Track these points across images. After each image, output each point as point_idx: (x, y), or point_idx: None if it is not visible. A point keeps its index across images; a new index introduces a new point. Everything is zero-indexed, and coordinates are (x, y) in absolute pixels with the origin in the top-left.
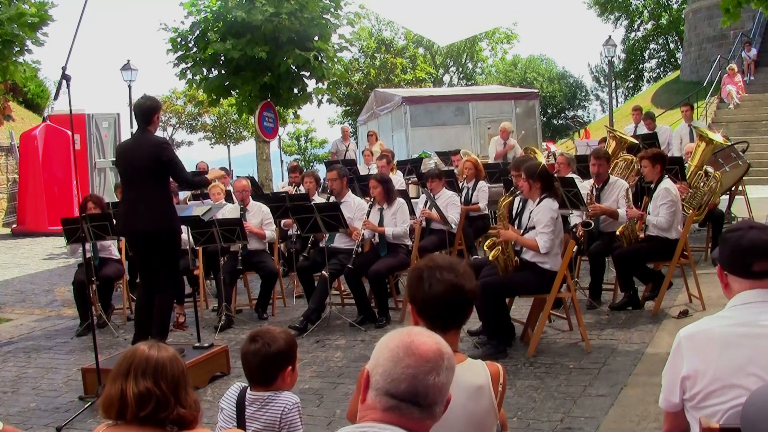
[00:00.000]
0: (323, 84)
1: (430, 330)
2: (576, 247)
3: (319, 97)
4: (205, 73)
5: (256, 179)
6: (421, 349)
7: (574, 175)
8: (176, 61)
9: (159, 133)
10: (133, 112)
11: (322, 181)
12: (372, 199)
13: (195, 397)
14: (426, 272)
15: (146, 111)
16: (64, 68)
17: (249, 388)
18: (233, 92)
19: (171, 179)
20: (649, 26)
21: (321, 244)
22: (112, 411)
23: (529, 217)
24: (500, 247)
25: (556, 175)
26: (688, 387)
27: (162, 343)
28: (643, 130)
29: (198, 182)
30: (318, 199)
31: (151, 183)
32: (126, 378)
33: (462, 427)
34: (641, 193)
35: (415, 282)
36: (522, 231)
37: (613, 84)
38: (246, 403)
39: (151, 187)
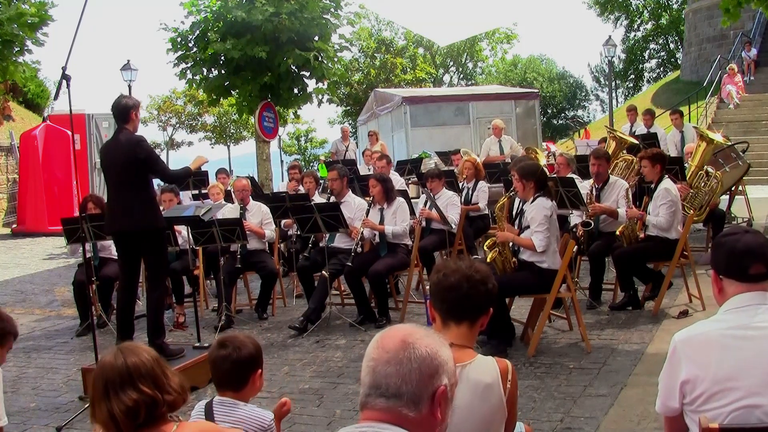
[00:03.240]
0: (323, 84)
1: (444, 324)
2: (576, 247)
3: (319, 97)
4: (205, 73)
5: (256, 179)
6: (384, 341)
7: (573, 176)
8: (176, 61)
9: (159, 133)
10: (112, 113)
11: (321, 181)
12: (372, 199)
13: (177, 379)
14: (441, 266)
15: (123, 109)
16: (64, 68)
17: (216, 396)
18: (233, 92)
19: (153, 176)
20: (649, 26)
21: (321, 244)
22: (112, 431)
23: (524, 216)
24: (497, 249)
25: (555, 175)
26: (688, 391)
27: (128, 343)
28: (638, 128)
29: (179, 176)
30: (318, 199)
31: (130, 182)
32: (107, 398)
33: (468, 425)
34: (641, 193)
35: (433, 276)
36: (520, 231)
37: (613, 84)
38: (214, 408)
39: (129, 187)
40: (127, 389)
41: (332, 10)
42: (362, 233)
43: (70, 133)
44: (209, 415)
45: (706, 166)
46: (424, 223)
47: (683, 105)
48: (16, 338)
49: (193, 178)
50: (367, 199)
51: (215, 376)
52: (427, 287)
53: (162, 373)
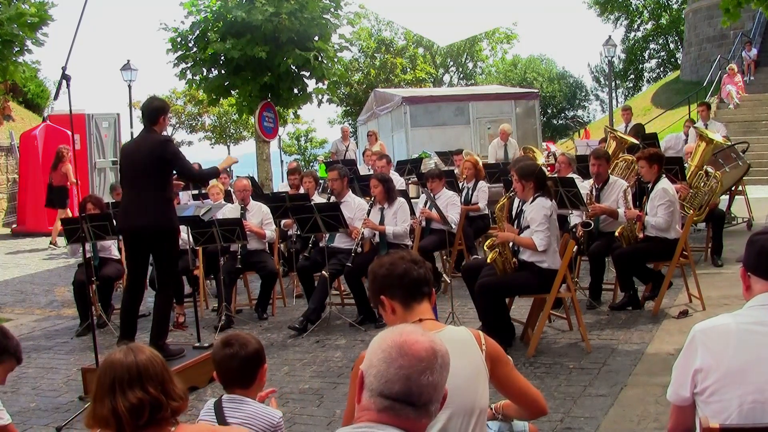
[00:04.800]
0: (323, 84)
1: (407, 307)
2: (576, 247)
3: (319, 97)
4: (205, 73)
5: (256, 179)
6: (414, 349)
7: (574, 175)
8: (176, 61)
9: None
10: (141, 113)
11: (321, 181)
12: (372, 199)
13: (181, 386)
14: (382, 262)
15: (153, 111)
16: (64, 68)
17: (225, 394)
18: (233, 92)
19: (177, 177)
20: (649, 26)
21: (321, 244)
22: (111, 429)
23: (524, 216)
24: (498, 249)
25: (557, 175)
26: (700, 380)
27: (136, 343)
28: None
29: (206, 175)
30: (318, 199)
31: (152, 181)
32: (113, 394)
33: (453, 388)
34: (641, 193)
35: (376, 272)
36: (519, 231)
37: (613, 84)
38: (223, 405)
39: (151, 186)
40: (135, 387)
41: (332, 10)
42: (362, 233)
43: (70, 133)
44: (219, 412)
45: (705, 166)
46: (424, 223)
47: (683, 105)
48: (19, 363)
49: None
50: (368, 199)
51: (223, 375)
52: None
53: (169, 379)
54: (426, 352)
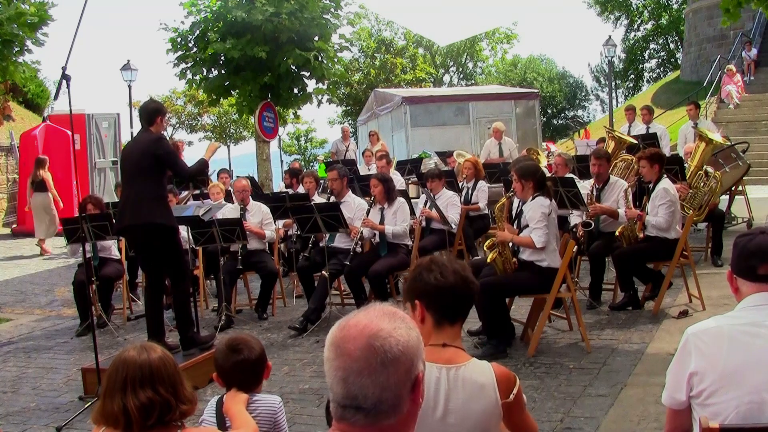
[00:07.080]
0: (323, 84)
1: (438, 325)
2: (576, 247)
3: (319, 97)
4: (205, 73)
5: (256, 179)
6: (347, 348)
7: (571, 175)
8: (176, 61)
9: None
10: (138, 114)
11: (321, 181)
12: (372, 199)
13: (191, 389)
14: (433, 265)
15: (150, 112)
16: (64, 68)
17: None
18: (233, 92)
19: (169, 175)
20: (649, 26)
21: (321, 244)
22: (119, 427)
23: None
24: (497, 250)
25: (554, 175)
26: (696, 383)
27: (150, 342)
28: (637, 128)
29: (197, 170)
30: (318, 199)
31: (143, 178)
32: (124, 392)
33: (463, 427)
34: (641, 193)
35: (424, 275)
36: (519, 231)
37: (613, 84)
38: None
39: (142, 184)
40: (146, 387)
41: (332, 10)
42: (362, 233)
43: (70, 133)
44: (222, 411)
45: (705, 166)
46: (424, 223)
47: (683, 105)
48: None
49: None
50: (368, 199)
51: (232, 381)
52: None
53: (180, 382)
54: (360, 351)
